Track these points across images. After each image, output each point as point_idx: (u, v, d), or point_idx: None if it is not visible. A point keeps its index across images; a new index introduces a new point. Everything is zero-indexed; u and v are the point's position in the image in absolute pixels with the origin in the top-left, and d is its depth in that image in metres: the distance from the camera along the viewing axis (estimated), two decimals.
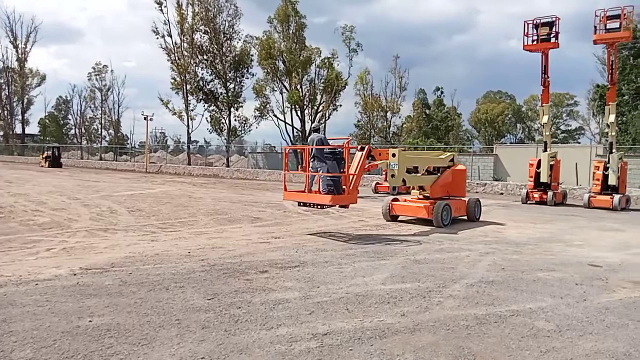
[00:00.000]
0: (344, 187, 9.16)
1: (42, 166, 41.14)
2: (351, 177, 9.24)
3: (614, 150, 16.43)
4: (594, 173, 17.20)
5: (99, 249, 7.30)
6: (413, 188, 11.78)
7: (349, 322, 4.29)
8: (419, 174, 11.21)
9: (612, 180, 16.16)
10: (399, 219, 11.69)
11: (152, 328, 4.02)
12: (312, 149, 9.51)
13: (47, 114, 71.30)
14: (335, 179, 9.17)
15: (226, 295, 5.02)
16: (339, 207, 9.59)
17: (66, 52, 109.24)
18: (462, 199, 12.03)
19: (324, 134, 10.13)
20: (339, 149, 9.59)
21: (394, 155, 10.03)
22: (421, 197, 11.57)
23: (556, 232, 10.57)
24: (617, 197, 15.80)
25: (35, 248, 7.27)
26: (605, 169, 16.42)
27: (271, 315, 4.41)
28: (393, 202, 11.61)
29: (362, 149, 9.85)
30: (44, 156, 43.27)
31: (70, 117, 70.59)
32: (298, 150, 25.73)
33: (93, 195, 16.14)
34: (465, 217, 11.92)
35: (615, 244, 9.09)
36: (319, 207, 9.55)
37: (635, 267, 7.00)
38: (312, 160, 9.55)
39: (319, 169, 9.42)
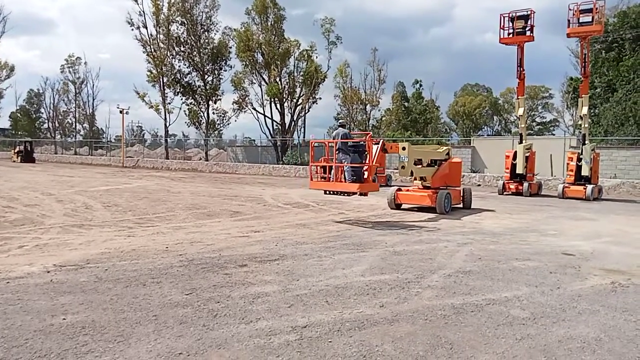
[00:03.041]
0: (365, 177, 10.04)
1: (14, 161, 40.08)
2: (374, 168, 10.28)
3: (586, 142, 16.84)
4: (567, 164, 17.62)
5: (74, 246, 7.14)
6: (415, 179, 12.71)
7: (328, 314, 4.30)
8: (419, 166, 12.04)
9: (585, 171, 16.58)
10: (402, 207, 12.67)
11: (128, 324, 3.96)
12: (337, 142, 10.42)
13: (18, 108, 69.25)
14: (357, 169, 10.01)
15: (205, 290, 4.98)
16: (359, 194, 10.38)
17: (37, 43, 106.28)
18: (457, 188, 13.10)
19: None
20: (361, 142, 10.61)
21: (404, 148, 10.94)
22: (421, 187, 12.54)
23: (531, 222, 10.80)
24: (589, 187, 16.22)
25: (7, 245, 7.06)
26: (579, 160, 16.83)
27: (250, 309, 4.39)
28: (398, 192, 12.66)
29: (376, 143, 10.68)
30: (15, 151, 42.15)
31: (42, 110, 68.58)
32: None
33: (67, 190, 15.77)
34: (460, 205, 12.99)
35: (588, 233, 9.33)
36: (345, 194, 10.59)
37: (606, 255, 7.21)
38: (337, 152, 10.42)
39: (343, 161, 10.29)
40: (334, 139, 10.63)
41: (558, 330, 4.02)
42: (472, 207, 13.18)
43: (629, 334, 3.98)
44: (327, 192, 10.67)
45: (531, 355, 3.51)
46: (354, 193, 10.18)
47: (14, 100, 70.67)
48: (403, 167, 11.06)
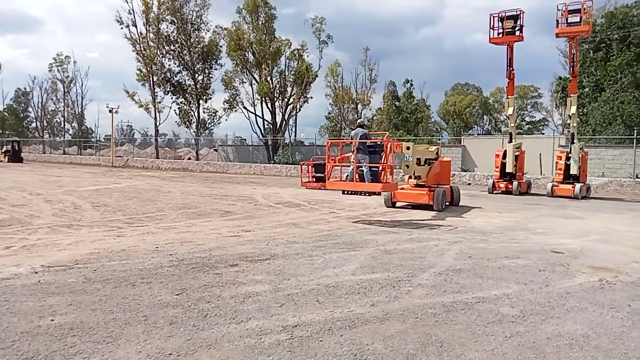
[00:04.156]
0: (382, 177, 10.37)
1: (1, 161, 39.53)
2: (391, 167, 10.52)
3: (575, 141, 16.99)
4: (556, 163, 17.77)
5: (62, 246, 7.06)
6: (410, 177, 12.99)
7: (319, 313, 4.30)
8: (417, 165, 12.27)
9: (573, 170, 16.73)
10: (396, 205, 12.91)
11: (117, 325, 3.92)
12: (356, 142, 10.60)
13: (5, 107, 68.27)
14: (374, 169, 10.38)
15: (195, 290, 4.95)
16: (369, 194, 10.71)
17: (24, 41, 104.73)
18: (447, 186, 13.42)
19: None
20: (379, 142, 10.95)
21: (408, 148, 11.27)
22: (414, 185, 12.79)
23: (521, 220, 10.88)
24: (578, 186, 16.38)
25: None
26: (567, 158, 16.97)
27: (241, 309, 4.37)
28: (394, 190, 12.80)
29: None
30: (3, 151, 41.69)
31: (30, 109, 67.69)
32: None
33: (56, 190, 15.60)
34: (448, 203, 13.31)
35: (576, 231, 9.42)
36: (366, 194, 10.80)
37: (594, 252, 7.29)
38: (356, 152, 10.58)
39: (361, 161, 10.57)
40: (352, 138, 10.86)
41: (547, 328, 4.06)
42: (462, 205, 13.47)
43: (616, 331, 4.03)
44: (345, 192, 10.87)
45: (520, 353, 3.54)
46: (375, 193, 10.37)
47: (1, 99, 69.74)
48: (407, 166, 11.42)
